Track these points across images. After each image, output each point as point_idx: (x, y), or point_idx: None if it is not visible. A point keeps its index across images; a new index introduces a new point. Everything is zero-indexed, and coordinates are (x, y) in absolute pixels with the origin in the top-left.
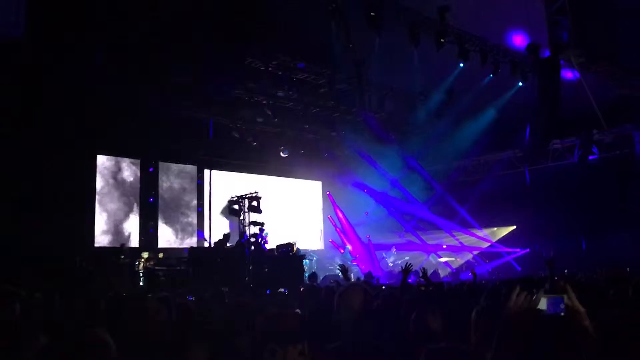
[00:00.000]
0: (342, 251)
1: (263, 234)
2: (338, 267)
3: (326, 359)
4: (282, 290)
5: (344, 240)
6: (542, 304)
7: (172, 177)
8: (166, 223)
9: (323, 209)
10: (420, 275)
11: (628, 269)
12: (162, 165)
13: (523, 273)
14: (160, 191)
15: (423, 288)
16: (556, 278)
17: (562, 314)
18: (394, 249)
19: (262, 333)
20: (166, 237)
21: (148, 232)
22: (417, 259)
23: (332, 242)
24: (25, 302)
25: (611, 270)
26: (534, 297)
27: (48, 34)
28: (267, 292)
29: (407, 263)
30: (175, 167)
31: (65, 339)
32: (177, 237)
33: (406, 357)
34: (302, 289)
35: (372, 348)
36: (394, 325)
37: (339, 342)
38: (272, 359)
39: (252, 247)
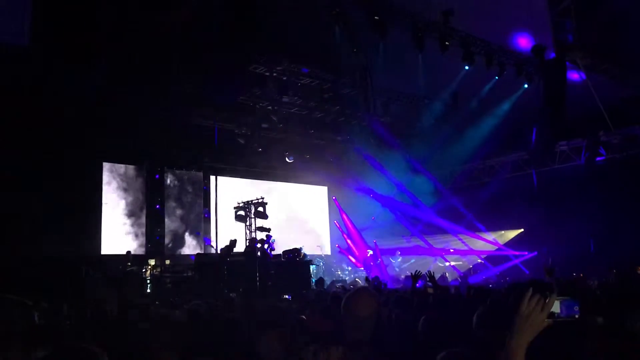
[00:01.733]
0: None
1: (270, 240)
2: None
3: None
4: (287, 296)
5: (351, 245)
6: (556, 307)
7: (178, 184)
8: (172, 230)
9: (329, 214)
10: (427, 279)
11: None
12: (168, 172)
13: (531, 276)
14: (166, 198)
15: (431, 291)
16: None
17: (577, 316)
18: (398, 253)
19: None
20: (173, 243)
21: (155, 239)
22: (424, 263)
23: (338, 247)
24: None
25: (622, 273)
26: (547, 300)
27: (54, 42)
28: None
29: (416, 270)
30: (181, 173)
31: (59, 353)
32: (183, 244)
33: None
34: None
35: (377, 352)
36: (404, 329)
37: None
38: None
39: (259, 253)
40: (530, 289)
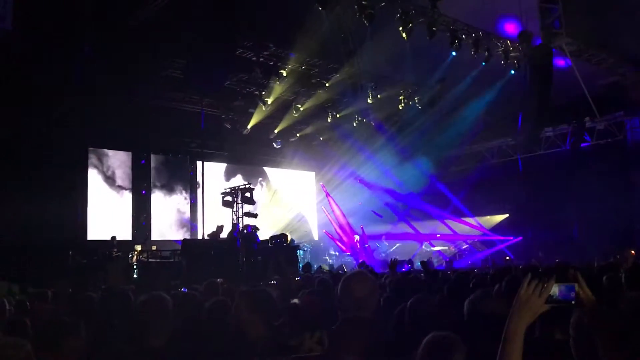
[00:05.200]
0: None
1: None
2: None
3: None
4: (273, 282)
5: (338, 230)
6: (554, 291)
7: (164, 169)
8: (159, 215)
9: (317, 199)
10: (411, 265)
11: (618, 256)
12: (154, 157)
13: (516, 261)
14: (152, 183)
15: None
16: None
17: (573, 302)
18: (383, 238)
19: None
20: (159, 229)
21: (141, 225)
22: (410, 248)
23: (325, 232)
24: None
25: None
26: (546, 285)
27: (37, 26)
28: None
29: (392, 259)
30: (167, 159)
31: None
32: (170, 229)
33: (404, 345)
34: (297, 279)
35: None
36: (393, 312)
37: (335, 327)
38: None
39: (245, 239)
40: (529, 274)
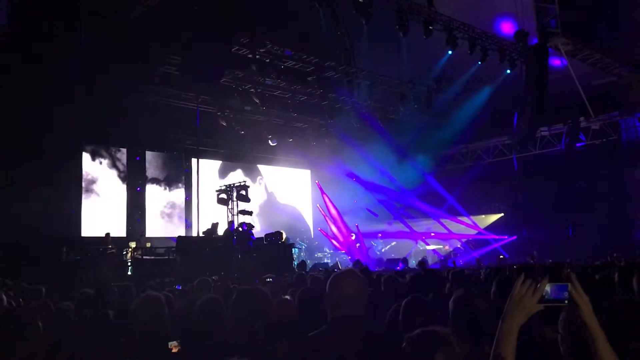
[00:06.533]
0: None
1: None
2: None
3: (311, 344)
4: (270, 279)
5: (333, 229)
6: (546, 291)
7: (159, 166)
8: (153, 212)
9: (312, 197)
10: (407, 265)
11: (615, 254)
12: (149, 154)
13: (510, 260)
14: (147, 180)
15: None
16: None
17: (566, 301)
18: (379, 236)
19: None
20: (153, 226)
21: (135, 221)
22: (406, 247)
23: (320, 230)
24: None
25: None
26: (539, 285)
27: (33, 22)
28: (256, 281)
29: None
30: (162, 155)
31: None
32: (164, 226)
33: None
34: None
35: (354, 331)
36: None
37: (323, 327)
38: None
39: (240, 236)
40: (523, 274)
